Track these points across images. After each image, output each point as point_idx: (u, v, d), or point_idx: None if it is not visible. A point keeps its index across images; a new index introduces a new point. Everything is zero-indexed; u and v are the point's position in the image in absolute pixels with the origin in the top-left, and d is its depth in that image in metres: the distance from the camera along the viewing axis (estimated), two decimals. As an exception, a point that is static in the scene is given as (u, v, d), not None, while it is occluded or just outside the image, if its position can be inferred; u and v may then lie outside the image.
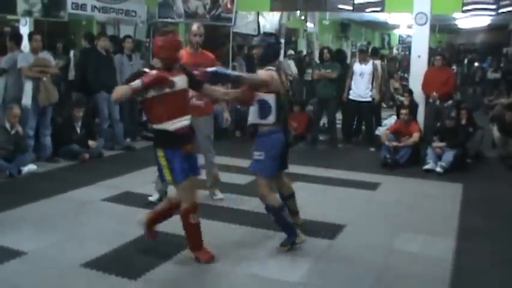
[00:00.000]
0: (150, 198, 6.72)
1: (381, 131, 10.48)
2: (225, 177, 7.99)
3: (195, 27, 6.66)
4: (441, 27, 20.70)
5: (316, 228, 6.02)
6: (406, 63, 19.21)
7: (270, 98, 5.15)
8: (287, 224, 5.35)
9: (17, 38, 8.96)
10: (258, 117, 5.24)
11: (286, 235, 5.37)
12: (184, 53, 6.46)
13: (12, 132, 8.03)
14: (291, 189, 5.86)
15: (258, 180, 5.40)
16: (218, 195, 7.04)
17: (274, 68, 5.25)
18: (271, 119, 5.20)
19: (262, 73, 5.23)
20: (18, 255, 5.10)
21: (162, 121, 4.82)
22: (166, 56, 4.84)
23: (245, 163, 8.77)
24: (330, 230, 5.98)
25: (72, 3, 10.08)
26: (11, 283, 4.56)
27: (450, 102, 10.39)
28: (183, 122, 4.86)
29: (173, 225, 5.78)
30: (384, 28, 27.87)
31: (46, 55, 8.75)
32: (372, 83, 10.85)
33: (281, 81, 5.29)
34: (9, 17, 11.42)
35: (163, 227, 5.66)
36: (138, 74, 4.72)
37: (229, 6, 11.82)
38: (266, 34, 6.03)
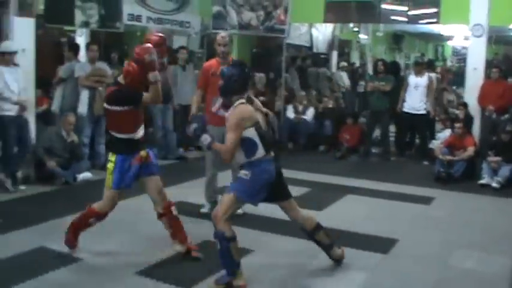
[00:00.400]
0: (202, 210, 6.76)
1: (434, 144, 10.33)
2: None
3: (219, 37, 6.66)
4: (497, 39, 20.28)
5: (369, 242, 5.98)
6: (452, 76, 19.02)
7: (251, 134, 4.71)
8: (230, 260, 4.80)
9: (75, 48, 9.20)
10: (246, 157, 4.79)
11: (225, 272, 4.86)
12: (214, 62, 6.64)
13: (69, 140, 8.21)
14: (314, 221, 5.26)
15: (223, 198, 4.91)
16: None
17: (243, 101, 4.77)
18: (261, 152, 4.78)
19: (231, 120, 4.71)
20: (74, 261, 5.23)
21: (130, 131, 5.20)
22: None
23: (299, 175, 8.87)
24: (382, 244, 5.92)
25: (128, 14, 10.24)
26: (67, 289, 4.67)
27: (506, 115, 10.17)
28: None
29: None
30: (437, 40, 27.48)
31: (102, 65, 8.94)
32: (427, 96, 10.70)
33: (256, 109, 4.85)
34: (66, 27, 11.70)
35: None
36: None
37: (282, 17, 11.84)
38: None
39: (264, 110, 4.93)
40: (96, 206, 5.37)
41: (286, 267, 5.28)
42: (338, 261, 5.30)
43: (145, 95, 5.11)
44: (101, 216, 5.39)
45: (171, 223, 5.46)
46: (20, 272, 4.91)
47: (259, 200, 4.97)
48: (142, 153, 5.32)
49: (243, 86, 4.79)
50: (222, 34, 6.72)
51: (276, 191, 5.01)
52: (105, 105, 5.23)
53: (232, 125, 4.66)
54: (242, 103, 4.73)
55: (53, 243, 5.59)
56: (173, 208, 5.44)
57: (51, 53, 11.73)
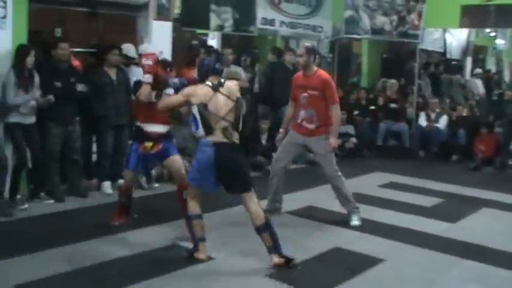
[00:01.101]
0: (353, 223, 6.58)
1: None
2: (408, 198, 7.83)
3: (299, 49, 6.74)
4: None
5: (503, 258, 5.65)
6: None
7: (195, 111, 5.15)
8: (193, 235, 5.32)
9: (211, 52, 9.38)
10: (193, 130, 5.28)
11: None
12: (300, 75, 6.65)
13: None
14: (261, 219, 5.20)
15: None
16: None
17: (209, 83, 5.19)
18: (201, 132, 5.14)
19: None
20: (206, 259, 5.28)
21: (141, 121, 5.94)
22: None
23: (430, 184, 8.60)
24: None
25: (262, 18, 10.34)
26: (202, 287, 4.75)
27: None
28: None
29: (360, 244, 5.77)
30: None
31: (237, 68, 9.05)
32: None
33: (222, 92, 5.20)
34: (198, 30, 12.00)
35: (350, 245, 5.65)
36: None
37: (416, 22, 11.56)
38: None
39: (235, 95, 5.27)
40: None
41: (417, 279, 5.10)
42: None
43: (138, 92, 5.85)
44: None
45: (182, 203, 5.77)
46: (154, 266, 5.06)
47: (200, 183, 5.26)
48: (147, 144, 5.86)
49: (209, 72, 5.26)
50: (302, 46, 6.76)
51: (231, 182, 5.26)
52: None
53: (183, 91, 5.31)
54: (206, 85, 5.19)
55: (185, 241, 5.69)
56: (184, 192, 5.67)
57: (183, 55, 12.07)
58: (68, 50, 7.08)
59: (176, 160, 6.04)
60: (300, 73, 6.67)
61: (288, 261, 5.15)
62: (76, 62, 9.06)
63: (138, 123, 6.00)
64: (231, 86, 5.32)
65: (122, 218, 6.25)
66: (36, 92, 6.64)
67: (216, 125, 5.11)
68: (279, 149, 6.76)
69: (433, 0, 11.33)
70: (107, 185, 7.57)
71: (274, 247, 5.16)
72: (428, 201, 7.70)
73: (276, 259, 5.12)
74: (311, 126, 6.46)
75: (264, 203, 6.99)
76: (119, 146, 7.62)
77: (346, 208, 6.64)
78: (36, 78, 6.68)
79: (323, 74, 6.50)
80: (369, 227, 6.43)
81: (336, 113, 6.43)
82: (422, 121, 11.22)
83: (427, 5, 11.34)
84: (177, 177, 6.04)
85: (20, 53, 6.49)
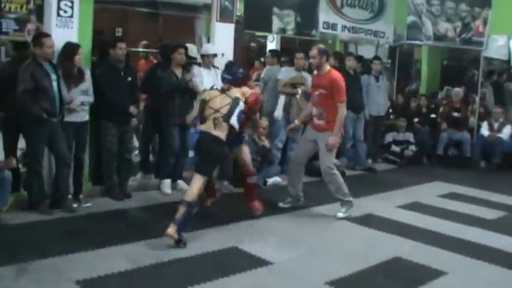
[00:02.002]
0: (338, 215, 6.83)
1: None
2: (469, 209, 7.64)
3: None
4: None
5: None
6: None
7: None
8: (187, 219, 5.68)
9: (278, 54, 9.47)
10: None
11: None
12: (314, 76, 7.18)
13: (260, 144, 8.34)
14: (190, 198, 5.76)
15: None
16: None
17: (219, 88, 6.38)
18: (199, 122, 6.39)
19: None
20: (265, 264, 5.27)
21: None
22: None
23: (493, 196, 8.37)
24: None
25: (324, 22, 10.27)
26: (260, 292, 4.70)
27: None
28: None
29: (421, 255, 5.65)
30: None
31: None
32: None
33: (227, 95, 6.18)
34: (258, 33, 12.00)
35: (411, 255, 5.54)
36: None
37: (481, 29, 11.29)
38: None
39: (234, 95, 6.17)
40: None
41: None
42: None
43: None
44: None
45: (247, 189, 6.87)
46: (214, 269, 5.04)
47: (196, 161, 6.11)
48: None
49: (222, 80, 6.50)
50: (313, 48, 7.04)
51: (199, 162, 6.03)
52: None
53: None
54: (216, 89, 6.38)
55: (245, 245, 5.70)
56: (251, 178, 6.82)
57: (242, 57, 12.10)
58: (125, 49, 7.15)
59: (244, 149, 6.79)
60: (314, 75, 7.14)
61: (178, 241, 5.52)
62: (142, 62, 9.21)
63: None
64: (236, 91, 6.24)
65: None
66: (90, 89, 6.69)
67: (210, 116, 6.02)
68: (297, 146, 7.46)
69: (499, 6, 11.03)
70: (167, 184, 7.61)
71: (180, 222, 5.56)
72: (490, 214, 7.49)
73: (172, 230, 5.50)
74: (320, 122, 6.89)
75: (325, 206, 7.01)
76: (183, 146, 7.65)
77: (337, 196, 6.90)
78: (87, 77, 6.70)
79: (333, 74, 6.86)
80: (430, 237, 6.29)
81: (340, 111, 6.75)
82: (485, 131, 10.94)
83: (493, 11, 11.05)
84: (244, 164, 6.81)
85: (68, 51, 6.47)
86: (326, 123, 6.82)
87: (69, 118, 6.51)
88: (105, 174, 7.15)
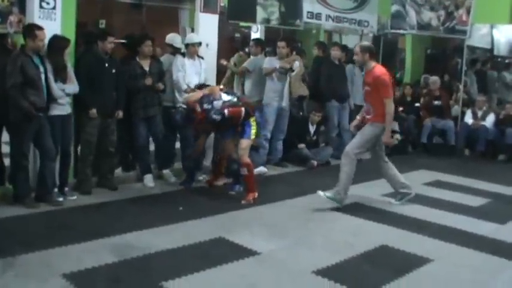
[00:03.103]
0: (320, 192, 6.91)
1: None
2: (454, 197, 7.69)
3: None
4: None
5: None
6: None
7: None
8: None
9: (262, 44, 9.43)
10: None
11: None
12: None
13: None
14: None
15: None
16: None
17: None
18: None
19: None
20: (252, 254, 5.28)
21: None
22: None
23: (477, 184, 8.45)
24: None
25: (308, 12, 10.24)
26: (248, 281, 4.70)
27: None
28: None
29: (407, 243, 5.68)
30: None
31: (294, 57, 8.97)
32: None
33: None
34: (241, 24, 11.97)
35: (397, 243, 5.57)
36: None
37: (464, 18, 11.33)
38: None
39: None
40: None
41: (466, 281, 4.97)
42: None
43: None
44: None
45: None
46: (201, 260, 5.04)
47: None
48: None
49: None
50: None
51: None
52: None
53: None
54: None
55: (231, 235, 5.71)
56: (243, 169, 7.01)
57: (226, 47, 12.07)
58: (113, 43, 7.11)
59: (244, 142, 7.01)
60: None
61: None
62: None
63: None
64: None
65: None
66: (74, 81, 6.63)
67: None
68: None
69: (482, -5, 11.09)
70: (148, 178, 7.59)
71: None
72: (475, 201, 7.55)
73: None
74: (369, 117, 6.99)
75: (310, 196, 7.01)
76: (155, 137, 7.67)
77: (339, 184, 6.89)
78: (70, 68, 6.63)
79: (377, 70, 6.82)
80: (416, 225, 6.33)
81: (387, 108, 6.76)
82: (469, 119, 11.01)
83: (476, 0, 11.10)
84: (240, 156, 7.00)
85: (58, 45, 6.41)
86: (373, 117, 6.90)
87: (55, 112, 6.44)
88: (79, 166, 7.06)
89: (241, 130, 7.03)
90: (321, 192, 6.83)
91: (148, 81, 7.34)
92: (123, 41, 8.13)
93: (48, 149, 6.38)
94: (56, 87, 6.36)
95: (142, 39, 7.49)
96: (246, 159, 7.01)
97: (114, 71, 7.07)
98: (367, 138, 6.91)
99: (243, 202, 6.86)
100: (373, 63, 6.89)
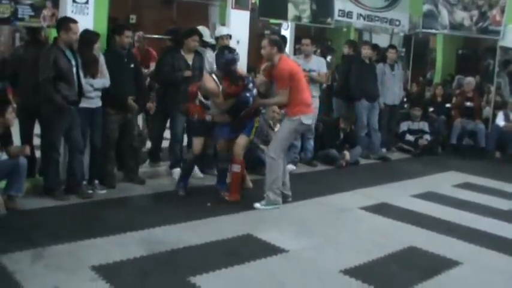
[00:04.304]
0: (256, 205, 6.61)
1: None
2: (484, 199, 7.60)
3: None
4: None
5: None
6: None
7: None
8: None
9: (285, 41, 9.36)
10: None
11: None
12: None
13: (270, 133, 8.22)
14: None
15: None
16: None
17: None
18: None
19: None
20: (280, 252, 5.25)
21: None
22: None
23: (507, 187, 8.32)
24: None
25: (339, 10, 10.19)
26: (276, 279, 4.69)
27: None
28: None
29: (435, 245, 5.62)
30: None
31: (318, 59, 8.91)
32: None
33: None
34: (272, 20, 11.95)
35: (426, 245, 5.51)
36: None
37: (498, 18, 11.18)
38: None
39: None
40: None
41: (496, 286, 4.90)
42: None
43: None
44: None
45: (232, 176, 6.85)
46: (228, 256, 5.04)
47: None
48: None
49: None
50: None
51: None
52: None
53: None
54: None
55: (259, 232, 5.69)
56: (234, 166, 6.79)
57: (255, 44, 12.07)
58: (131, 37, 7.15)
59: (243, 138, 6.73)
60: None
61: None
62: (153, 52, 9.14)
63: None
64: None
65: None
66: (106, 75, 6.68)
67: None
68: None
69: (516, -5, 10.92)
70: (176, 172, 7.57)
71: None
72: (505, 204, 7.43)
73: None
74: (283, 111, 7.20)
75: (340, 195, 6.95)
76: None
77: (265, 187, 6.65)
78: (101, 62, 6.68)
79: (280, 64, 6.59)
80: (444, 227, 6.25)
81: (279, 98, 6.68)
82: (500, 121, 10.85)
83: (510, 0, 10.94)
84: (235, 152, 6.77)
85: (89, 39, 6.47)
86: (286, 111, 6.82)
87: (84, 104, 6.47)
88: (102, 161, 7.01)
89: (244, 126, 6.77)
90: (257, 205, 6.60)
91: (188, 73, 7.35)
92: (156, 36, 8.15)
93: (77, 142, 6.44)
94: (85, 82, 6.41)
95: (190, 33, 7.46)
96: (240, 157, 6.81)
97: (132, 65, 7.08)
98: (284, 136, 6.72)
99: (227, 198, 6.78)
100: (278, 57, 6.64)
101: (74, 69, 6.25)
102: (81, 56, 6.38)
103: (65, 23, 6.19)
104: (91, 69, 6.50)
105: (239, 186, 6.87)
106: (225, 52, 6.68)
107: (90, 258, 4.78)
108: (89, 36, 6.48)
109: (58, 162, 6.43)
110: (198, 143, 6.92)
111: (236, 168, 6.77)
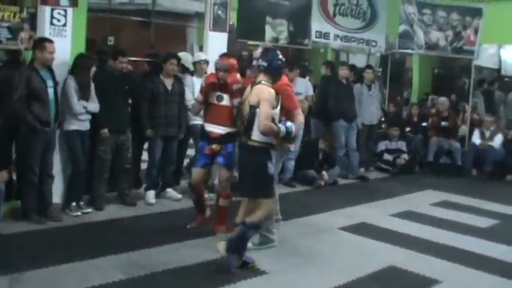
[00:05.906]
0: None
1: None
2: (462, 217, 7.66)
3: None
4: None
5: None
6: None
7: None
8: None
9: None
10: None
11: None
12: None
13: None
14: (251, 219, 5.32)
15: None
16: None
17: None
18: None
19: None
20: (260, 274, 5.24)
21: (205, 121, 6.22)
22: None
23: (485, 205, 8.40)
24: None
25: (316, 31, 10.28)
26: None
27: None
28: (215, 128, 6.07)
29: (415, 264, 5.65)
30: None
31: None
32: None
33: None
34: (249, 42, 12.00)
35: (405, 264, 5.54)
36: None
37: (472, 38, 11.39)
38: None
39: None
40: None
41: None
42: None
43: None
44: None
45: (218, 209, 6.32)
46: (208, 279, 5.02)
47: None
48: (214, 146, 6.09)
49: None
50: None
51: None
52: None
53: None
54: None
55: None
56: (224, 201, 6.25)
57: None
58: (124, 63, 7.15)
59: (223, 171, 6.24)
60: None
61: (244, 264, 5.32)
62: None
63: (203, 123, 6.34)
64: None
65: (199, 217, 6.52)
66: (96, 100, 6.70)
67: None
68: None
69: (490, 16, 11.12)
70: (150, 195, 7.52)
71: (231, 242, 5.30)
72: (483, 222, 7.51)
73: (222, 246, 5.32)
74: None
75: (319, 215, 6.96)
76: (168, 157, 7.60)
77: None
78: (92, 87, 6.73)
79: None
80: (423, 246, 6.29)
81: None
82: (476, 139, 10.97)
83: (484, 21, 11.14)
84: (220, 186, 6.36)
85: (85, 64, 6.59)
86: None
87: (72, 127, 6.56)
88: (94, 183, 7.04)
89: (221, 155, 6.16)
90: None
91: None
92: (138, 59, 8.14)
93: (50, 165, 6.43)
94: (77, 103, 6.47)
95: (168, 57, 7.46)
96: (227, 190, 6.28)
97: (127, 87, 7.13)
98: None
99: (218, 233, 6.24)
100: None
101: (51, 90, 6.24)
102: (77, 80, 6.49)
103: (40, 43, 6.21)
104: (86, 93, 6.57)
105: (227, 218, 6.29)
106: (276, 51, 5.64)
107: (68, 283, 4.75)
108: (84, 62, 6.61)
109: (35, 185, 6.35)
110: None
111: (225, 203, 6.29)
